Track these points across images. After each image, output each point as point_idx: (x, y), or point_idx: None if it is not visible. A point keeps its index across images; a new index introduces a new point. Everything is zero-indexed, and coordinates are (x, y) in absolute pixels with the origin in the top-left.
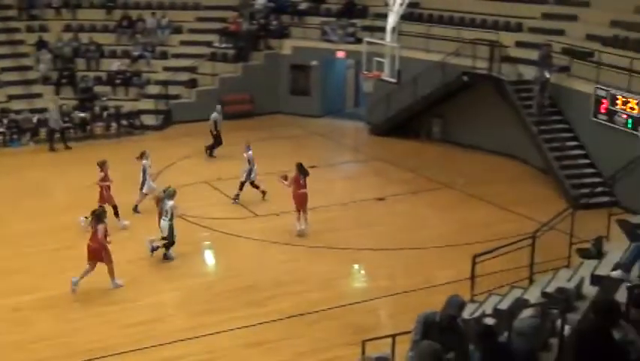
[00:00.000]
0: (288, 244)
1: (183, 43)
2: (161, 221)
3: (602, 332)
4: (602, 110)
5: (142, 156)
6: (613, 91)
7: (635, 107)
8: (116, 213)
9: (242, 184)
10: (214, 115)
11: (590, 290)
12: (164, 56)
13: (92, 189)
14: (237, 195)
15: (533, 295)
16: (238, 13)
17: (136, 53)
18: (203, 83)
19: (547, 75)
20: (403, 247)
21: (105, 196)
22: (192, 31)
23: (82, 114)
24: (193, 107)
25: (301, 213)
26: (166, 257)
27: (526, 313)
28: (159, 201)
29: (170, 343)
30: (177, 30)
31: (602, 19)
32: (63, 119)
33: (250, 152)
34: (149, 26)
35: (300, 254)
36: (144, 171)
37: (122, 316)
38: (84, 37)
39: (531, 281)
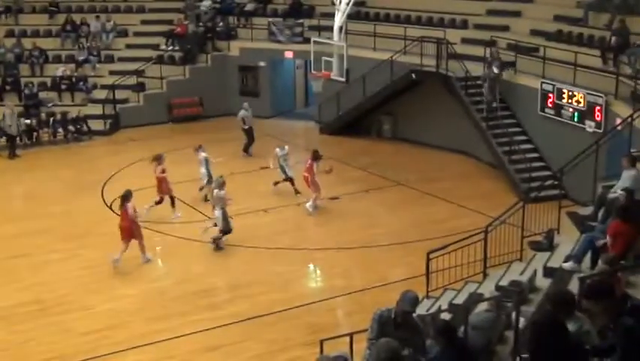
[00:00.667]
0: (242, 246)
1: (129, 46)
2: (215, 211)
3: (556, 322)
4: (549, 105)
5: (199, 148)
6: (559, 85)
7: (581, 100)
8: (173, 204)
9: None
10: (242, 112)
11: (543, 282)
12: (110, 59)
13: (39, 199)
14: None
15: (487, 289)
16: (184, 16)
17: (81, 58)
18: (150, 87)
19: (496, 71)
20: (357, 246)
21: (164, 188)
22: (138, 34)
23: (27, 121)
24: (141, 111)
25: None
26: (216, 244)
27: (481, 307)
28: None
29: (127, 349)
30: (123, 33)
31: (546, 14)
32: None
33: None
34: (93, 30)
35: (256, 256)
36: (206, 162)
37: (77, 324)
38: (27, 43)
39: (485, 275)
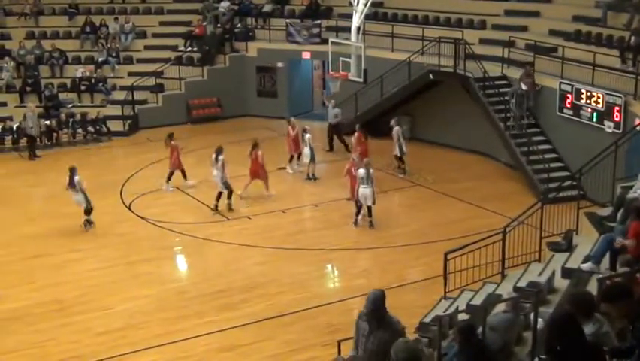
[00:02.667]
0: (259, 247)
1: (148, 47)
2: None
3: (572, 322)
4: (568, 105)
5: (305, 131)
6: (577, 85)
7: (600, 100)
8: (184, 176)
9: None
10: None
11: (561, 283)
12: (129, 61)
13: (59, 199)
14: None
15: (505, 290)
16: (202, 17)
17: (100, 59)
18: (169, 88)
19: (524, 88)
20: (375, 246)
21: (175, 162)
22: (156, 35)
23: (47, 122)
24: (160, 112)
25: None
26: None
27: (499, 308)
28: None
29: (144, 349)
30: (141, 35)
31: (564, 14)
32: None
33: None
34: (112, 31)
35: (273, 256)
36: (309, 143)
37: (95, 324)
38: (47, 44)
39: (503, 276)
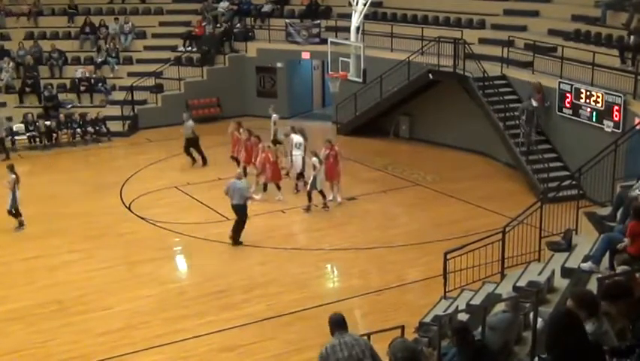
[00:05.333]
0: (259, 247)
1: (147, 48)
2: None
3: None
4: (567, 105)
5: (294, 130)
6: (577, 85)
7: (599, 100)
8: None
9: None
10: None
11: (561, 283)
12: (128, 61)
13: (59, 199)
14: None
15: (505, 289)
16: (202, 17)
17: (100, 59)
18: (169, 88)
19: (535, 104)
20: (374, 246)
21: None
22: (156, 35)
23: (47, 122)
24: (159, 112)
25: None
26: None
27: (499, 307)
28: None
29: (145, 349)
30: (141, 35)
31: (564, 14)
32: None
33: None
34: (112, 32)
35: (273, 256)
36: (299, 146)
37: (95, 324)
38: (46, 45)
39: (502, 276)
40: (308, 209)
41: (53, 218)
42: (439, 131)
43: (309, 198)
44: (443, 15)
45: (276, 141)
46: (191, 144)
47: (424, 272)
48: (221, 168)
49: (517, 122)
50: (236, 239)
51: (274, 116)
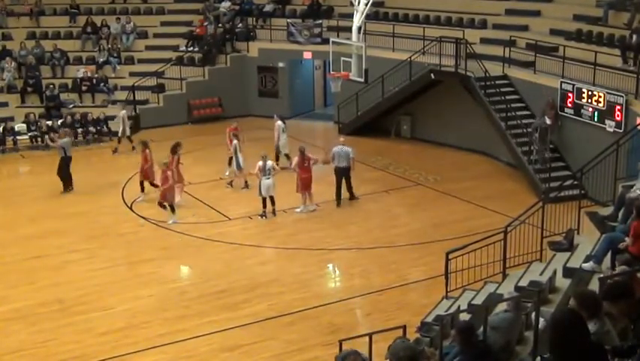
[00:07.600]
0: (261, 247)
1: (149, 48)
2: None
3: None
4: (569, 104)
5: (236, 136)
6: (578, 85)
7: (601, 100)
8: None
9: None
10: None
11: (562, 283)
12: (130, 61)
13: (60, 200)
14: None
15: (507, 289)
16: (203, 17)
17: (101, 59)
18: (170, 88)
19: (548, 122)
20: (376, 246)
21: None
22: (158, 35)
23: (49, 122)
24: (161, 112)
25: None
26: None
27: (501, 307)
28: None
29: (146, 349)
30: (143, 35)
31: (565, 13)
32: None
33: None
34: (113, 32)
35: (274, 256)
36: (236, 151)
37: (96, 324)
38: (48, 45)
39: (504, 276)
40: (263, 215)
41: (55, 218)
42: (440, 131)
43: (264, 205)
44: (445, 15)
45: (278, 153)
46: None
47: (426, 272)
48: (221, 168)
49: (530, 138)
50: (353, 194)
51: (279, 123)
